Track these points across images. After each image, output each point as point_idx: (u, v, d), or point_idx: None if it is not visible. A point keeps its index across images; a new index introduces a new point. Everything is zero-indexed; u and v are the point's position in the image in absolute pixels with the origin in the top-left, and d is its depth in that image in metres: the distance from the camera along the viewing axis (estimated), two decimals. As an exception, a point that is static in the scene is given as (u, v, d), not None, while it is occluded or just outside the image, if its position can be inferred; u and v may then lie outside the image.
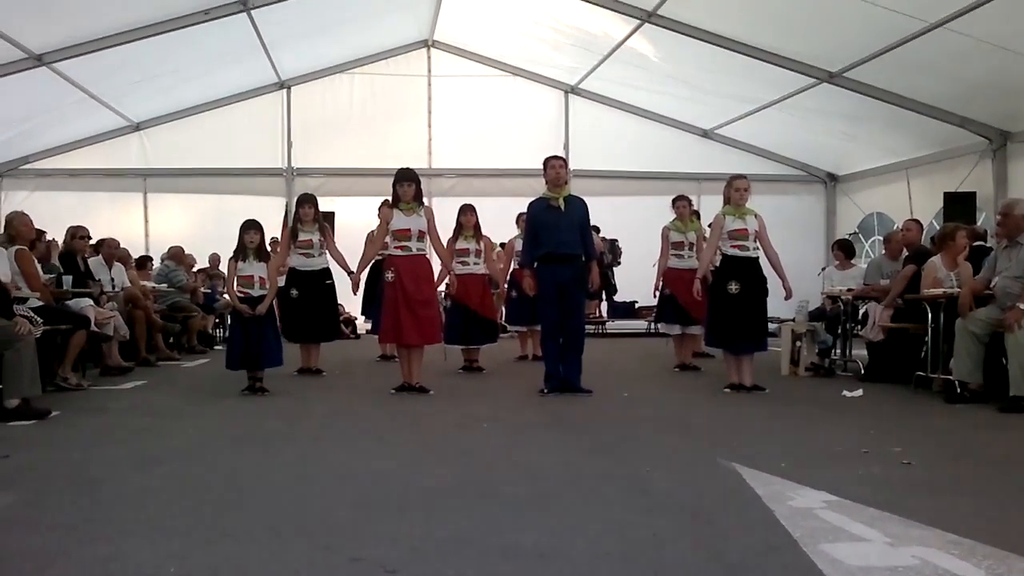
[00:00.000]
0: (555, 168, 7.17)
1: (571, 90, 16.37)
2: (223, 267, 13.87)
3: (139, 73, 13.03)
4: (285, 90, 15.95)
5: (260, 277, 7.25)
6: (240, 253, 7.29)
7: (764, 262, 7.38)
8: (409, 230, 7.11)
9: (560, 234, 7.03)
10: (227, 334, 8.67)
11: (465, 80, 16.22)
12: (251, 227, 7.33)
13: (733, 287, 7.16)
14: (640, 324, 15.23)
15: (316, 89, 16.09)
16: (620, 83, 15.40)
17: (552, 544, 2.95)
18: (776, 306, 7.74)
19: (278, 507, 3.49)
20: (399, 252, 7.15)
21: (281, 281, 8.31)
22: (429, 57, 16.28)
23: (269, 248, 10.94)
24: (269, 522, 3.25)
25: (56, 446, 4.95)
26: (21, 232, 7.57)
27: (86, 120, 14.36)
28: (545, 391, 7.07)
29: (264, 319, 7.19)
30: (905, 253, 8.47)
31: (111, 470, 4.25)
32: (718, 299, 7.30)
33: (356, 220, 12.13)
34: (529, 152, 15.77)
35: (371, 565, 2.73)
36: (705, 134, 16.41)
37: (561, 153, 12.21)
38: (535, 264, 7.22)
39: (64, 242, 9.24)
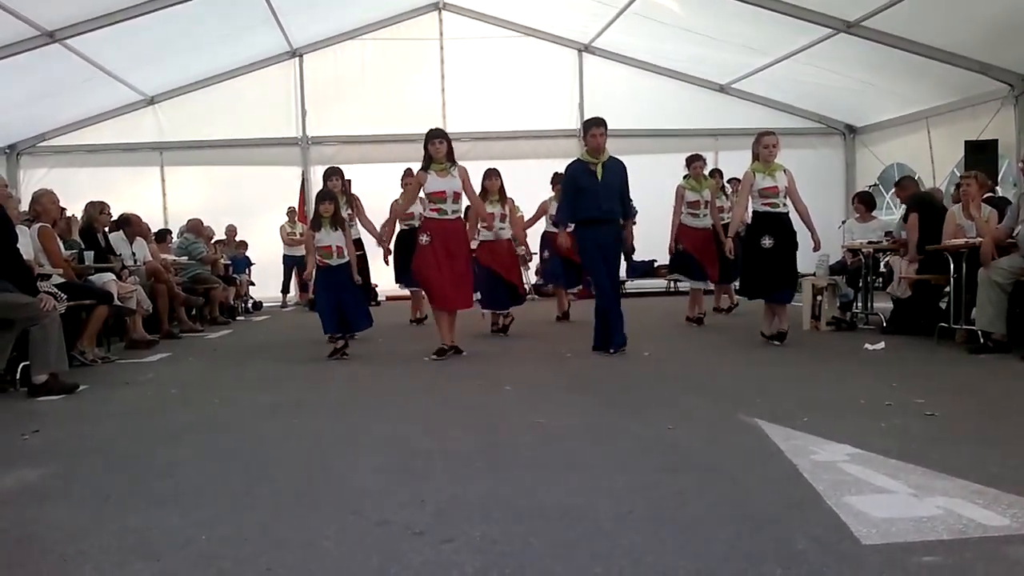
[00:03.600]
0: (595, 137, 7.11)
1: (584, 48, 16.23)
2: (239, 238, 14.06)
3: (151, 47, 13.02)
4: (297, 58, 15.92)
5: (338, 246, 7.41)
6: (315, 223, 7.48)
7: (793, 216, 7.50)
8: (444, 192, 7.05)
9: (600, 200, 7.05)
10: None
11: (477, 42, 16.11)
12: (325, 198, 7.50)
13: (767, 242, 7.33)
14: (659, 283, 15.22)
15: (328, 56, 16.05)
16: (634, 40, 15.23)
17: (576, 504, 2.97)
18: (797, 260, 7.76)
19: (305, 473, 3.54)
20: (434, 215, 7.11)
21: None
22: (440, 20, 16.17)
23: (287, 217, 10.96)
24: (297, 488, 3.29)
25: (85, 419, 5.02)
26: (48, 209, 7.64)
27: (100, 95, 14.40)
28: (612, 351, 7.09)
29: (348, 284, 7.40)
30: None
31: (140, 441, 4.32)
32: (752, 253, 7.46)
33: (373, 187, 12.09)
34: (544, 113, 15.74)
35: (399, 528, 2.76)
36: (722, 89, 16.25)
37: (579, 113, 12.08)
38: (574, 226, 7.31)
39: (84, 218, 9.29)
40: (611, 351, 7.08)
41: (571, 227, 7.58)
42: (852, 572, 2.30)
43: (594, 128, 7.17)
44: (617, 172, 7.19)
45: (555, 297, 10.81)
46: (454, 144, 7.22)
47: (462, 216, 7.31)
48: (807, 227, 7.54)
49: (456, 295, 7.17)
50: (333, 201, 7.52)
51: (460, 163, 7.19)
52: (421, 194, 7.58)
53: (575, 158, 7.46)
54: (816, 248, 7.75)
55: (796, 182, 7.50)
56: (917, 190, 8.91)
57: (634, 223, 14.68)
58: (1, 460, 3.98)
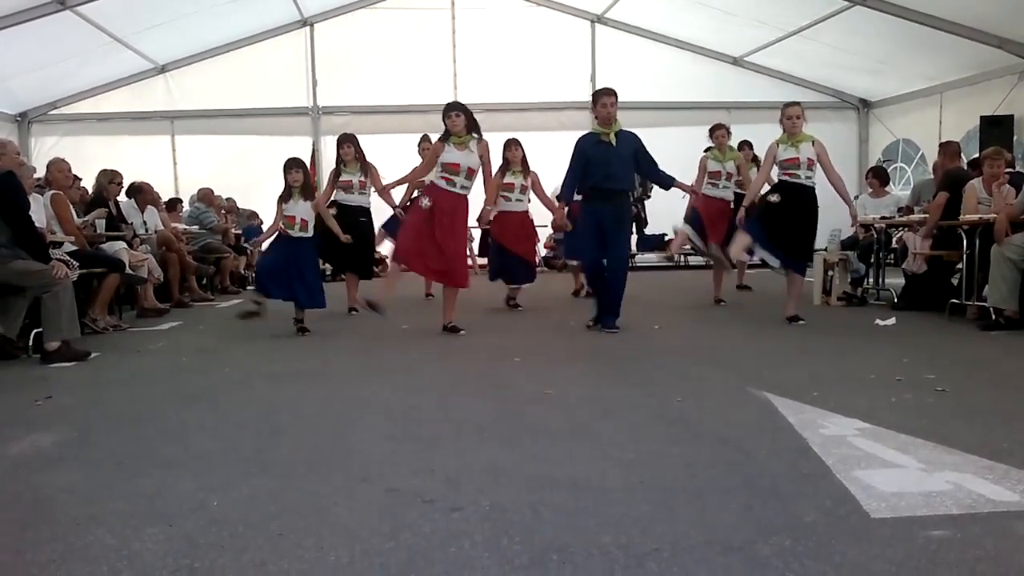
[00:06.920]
0: (606, 107, 6.86)
1: (597, 19, 16.09)
2: (242, 206, 14.03)
3: (162, 14, 12.97)
4: (308, 27, 15.84)
5: (302, 219, 7.10)
6: (285, 193, 7.17)
7: (820, 191, 7.22)
8: (458, 165, 6.83)
9: (610, 168, 6.81)
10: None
11: (488, 12, 15.96)
12: (293, 166, 7.18)
13: (774, 197, 7.11)
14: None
15: (339, 25, 15.95)
16: (647, 11, 15.11)
17: (585, 474, 2.98)
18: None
19: (315, 441, 3.56)
20: (443, 184, 6.86)
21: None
22: (452, -12, 16.06)
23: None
24: (306, 455, 3.31)
25: (97, 386, 5.05)
26: (58, 178, 7.68)
27: (111, 63, 14.36)
28: (602, 327, 6.96)
29: (303, 258, 7.09)
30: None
31: (151, 408, 4.35)
32: (761, 210, 7.26)
33: (384, 157, 12.03)
34: (556, 85, 15.62)
35: (408, 496, 2.78)
36: (735, 62, 16.12)
37: (591, 85, 11.94)
38: (577, 199, 7.14)
39: (95, 186, 9.28)
40: (592, 326, 7.00)
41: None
42: (861, 545, 2.30)
43: (604, 97, 6.94)
44: (630, 143, 6.96)
45: (566, 271, 10.59)
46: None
47: (469, 194, 7.00)
48: (842, 198, 7.30)
49: (444, 268, 6.92)
50: (302, 169, 7.19)
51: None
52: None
53: (587, 131, 7.15)
54: (854, 223, 7.46)
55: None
56: (958, 162, 8.67)
57: (648, 196, 14.69)
58: (15, 425, 4.01)
